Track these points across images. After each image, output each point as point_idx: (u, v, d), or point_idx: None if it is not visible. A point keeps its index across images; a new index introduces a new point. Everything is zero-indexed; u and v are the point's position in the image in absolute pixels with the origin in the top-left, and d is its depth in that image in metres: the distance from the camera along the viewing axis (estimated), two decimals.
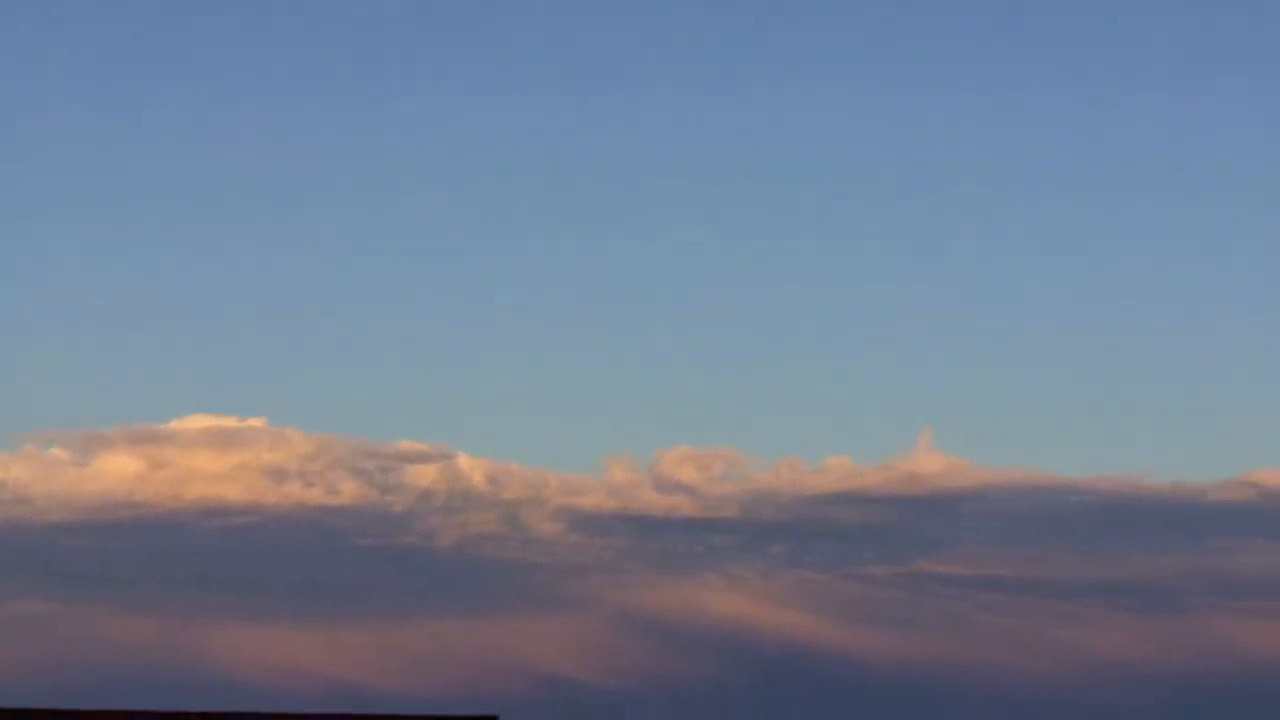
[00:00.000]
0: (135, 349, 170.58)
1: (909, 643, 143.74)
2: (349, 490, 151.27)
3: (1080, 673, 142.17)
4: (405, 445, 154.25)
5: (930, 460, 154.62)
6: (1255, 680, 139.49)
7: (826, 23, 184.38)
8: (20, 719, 72.27)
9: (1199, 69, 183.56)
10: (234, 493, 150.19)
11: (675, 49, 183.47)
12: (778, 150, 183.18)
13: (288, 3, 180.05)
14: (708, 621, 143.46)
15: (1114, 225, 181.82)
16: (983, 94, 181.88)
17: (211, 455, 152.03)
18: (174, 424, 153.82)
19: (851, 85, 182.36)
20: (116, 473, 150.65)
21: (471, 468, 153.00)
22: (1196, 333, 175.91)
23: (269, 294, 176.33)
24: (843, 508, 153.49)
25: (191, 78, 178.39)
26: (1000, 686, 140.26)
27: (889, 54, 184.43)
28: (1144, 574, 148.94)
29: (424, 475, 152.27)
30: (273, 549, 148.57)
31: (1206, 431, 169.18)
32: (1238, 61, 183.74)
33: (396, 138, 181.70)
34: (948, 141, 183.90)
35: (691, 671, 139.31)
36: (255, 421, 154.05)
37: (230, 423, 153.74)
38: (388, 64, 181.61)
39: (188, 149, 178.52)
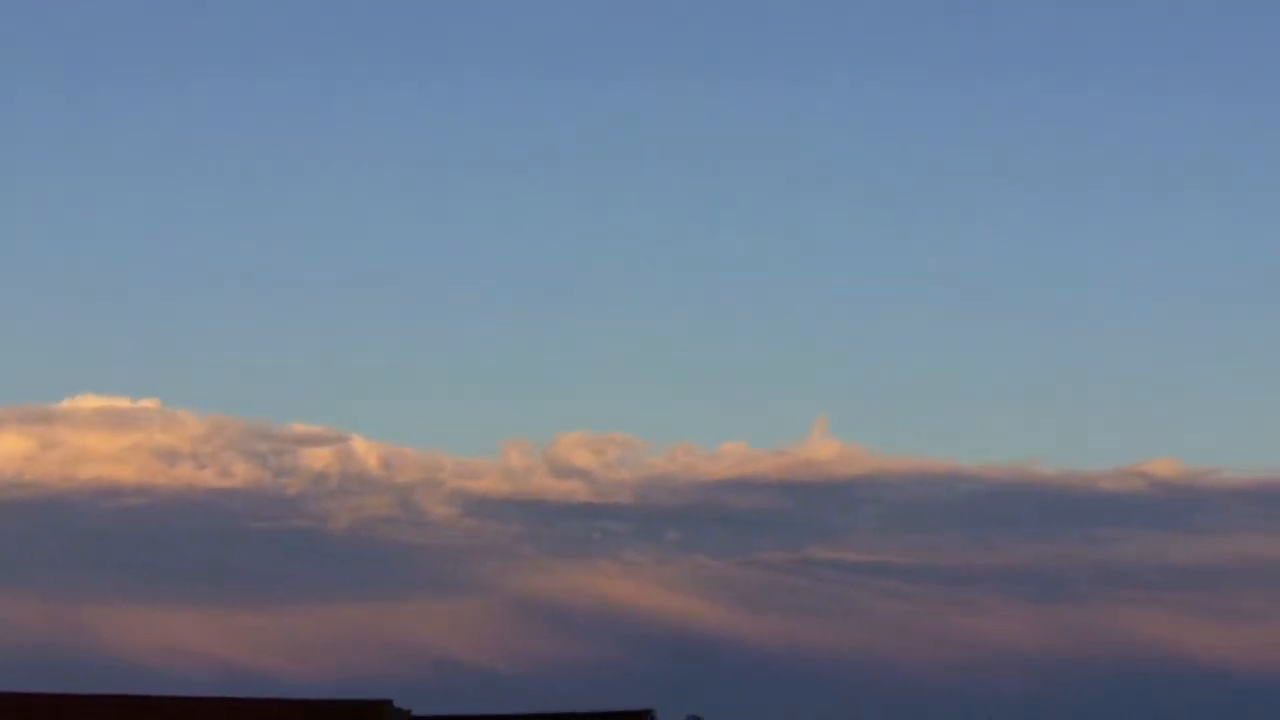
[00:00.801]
0: (27, 328, 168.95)
1: (803, 628, 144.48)
2: (242, 472, 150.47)
3: (972, 659, 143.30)
4: (299, 428, 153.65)
5: (825, 447, 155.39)
6: (1144, 669, 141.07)
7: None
8: None
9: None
10: (126, 474, 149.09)
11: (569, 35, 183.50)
12: (677, 136, 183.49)
13: None
14: (602, 607, 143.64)
15: (1004, 216, 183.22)
16: (881, 85, 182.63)
17: (103, 436, 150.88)
18: (66, 404, 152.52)
19: (768, 74, 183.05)
20: (7, 452, 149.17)
21: (366, 451, 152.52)
22: (1089, 322, 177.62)
23: (163, 274, 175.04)
24: (737, 494, 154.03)
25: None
26: (892, 672, 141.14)
27: (785, 44, 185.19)
28: (1035, 562, 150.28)
29: (318, 458, 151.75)
30: (165, 531, 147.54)
31: (1098, 421, 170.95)
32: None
33: (286, 114, 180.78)
34: (844, 129, 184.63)
35: (586, 656, 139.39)
36: (148, 402, 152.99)
37: (122, 403, 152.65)
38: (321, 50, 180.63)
39: (72, 125, 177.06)
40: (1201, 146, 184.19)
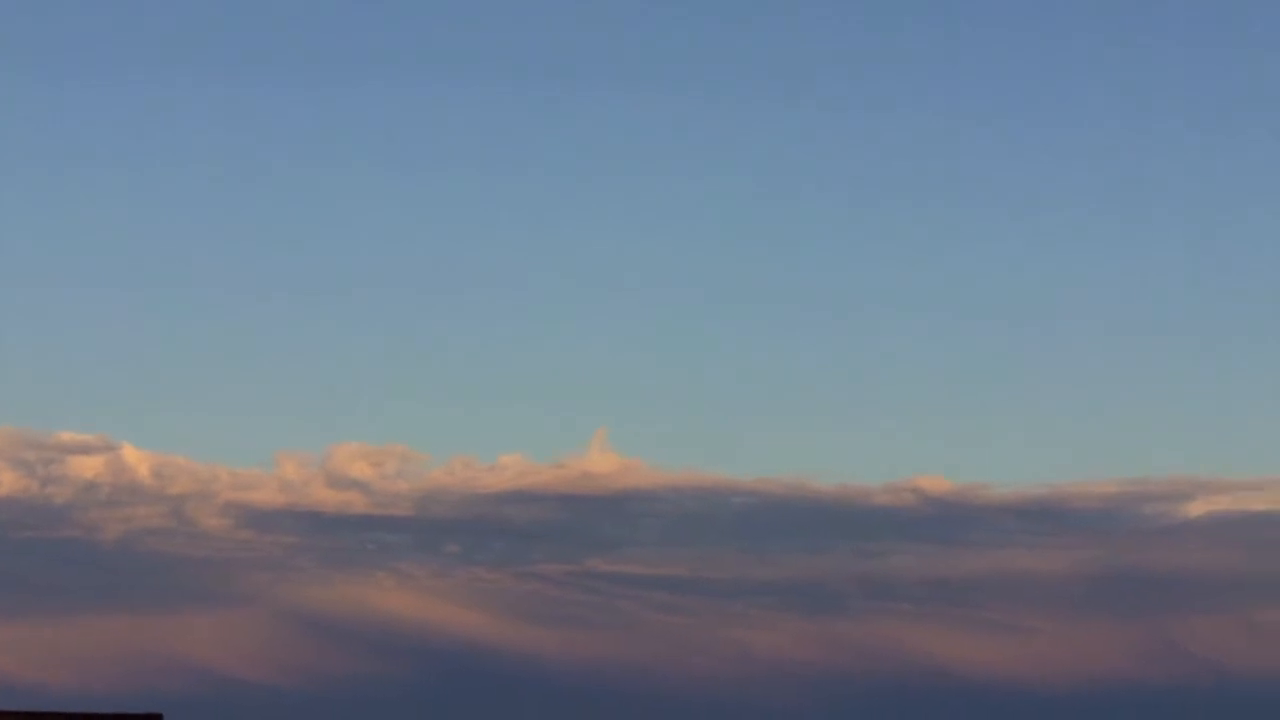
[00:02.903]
0: None
1: (580, 641, 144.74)
2: (8, 481, 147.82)
3: (746, 672, 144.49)
4: (68, 436, 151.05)
5: (604, 460, 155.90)
6: (914, 681, 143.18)
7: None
8: None
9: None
10: None
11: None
12: (446, 146, 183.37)
13: None
14: (379, 620, 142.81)
15: (781, 231, 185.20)
16: (629, 92, 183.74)
17: None
18: None
19: (551, 83, 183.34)
20: None
21: (137, 461, 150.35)
22: (865, 338, 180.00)
23: None
24: (516, 506, 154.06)
25: None
26: (669, 685, 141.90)
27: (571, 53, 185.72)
28: (809, 575, 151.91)
29: (87, 467, 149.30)
30: None
31: (872, 436, 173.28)
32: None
33: (91, 121, 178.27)
34: (619, 136, 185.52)
35: (361, 670, 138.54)
36: None
37: None
38: None
39: None
40: (980, 163, 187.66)
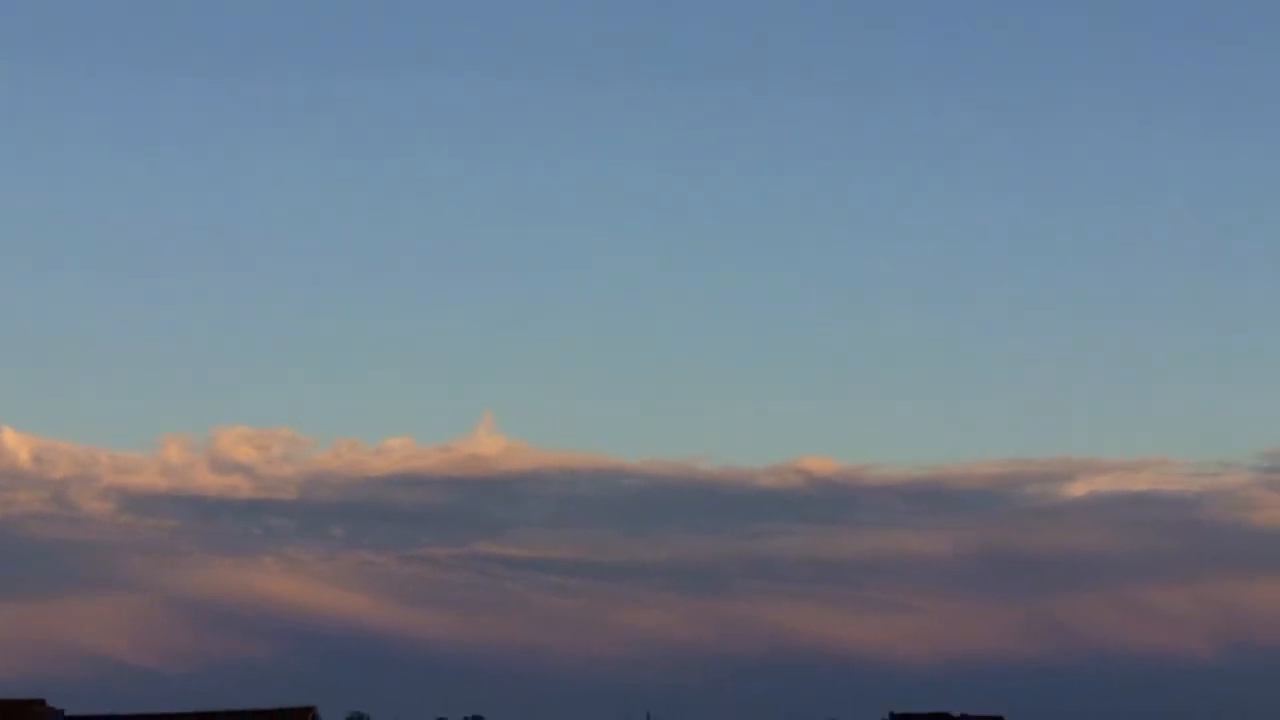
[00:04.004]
0: None
1: (468, 623, 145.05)
2: None
3: (634, 652, 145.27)
4: None
5: (490, 443, 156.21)
6: (799, 660, 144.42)
7: None
8: None
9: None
10: None
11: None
12: (325, 135, 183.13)
13: None
14: (264, 603, 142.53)
15: (674, 213, 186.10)
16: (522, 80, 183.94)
17: None
18: None
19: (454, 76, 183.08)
20: None
21: (17, 444, 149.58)
22: (749, 322, 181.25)
23: None
24: (403, 489, 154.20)
25: None
26: (557, 666, 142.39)
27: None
28: (695, 556, 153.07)
29: None
30: None
31: (759, 418, 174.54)
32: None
33: None
34: (510, 138, 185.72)
35: (248, 654, 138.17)
36: None
37: None
38: None
39: None
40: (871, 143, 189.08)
